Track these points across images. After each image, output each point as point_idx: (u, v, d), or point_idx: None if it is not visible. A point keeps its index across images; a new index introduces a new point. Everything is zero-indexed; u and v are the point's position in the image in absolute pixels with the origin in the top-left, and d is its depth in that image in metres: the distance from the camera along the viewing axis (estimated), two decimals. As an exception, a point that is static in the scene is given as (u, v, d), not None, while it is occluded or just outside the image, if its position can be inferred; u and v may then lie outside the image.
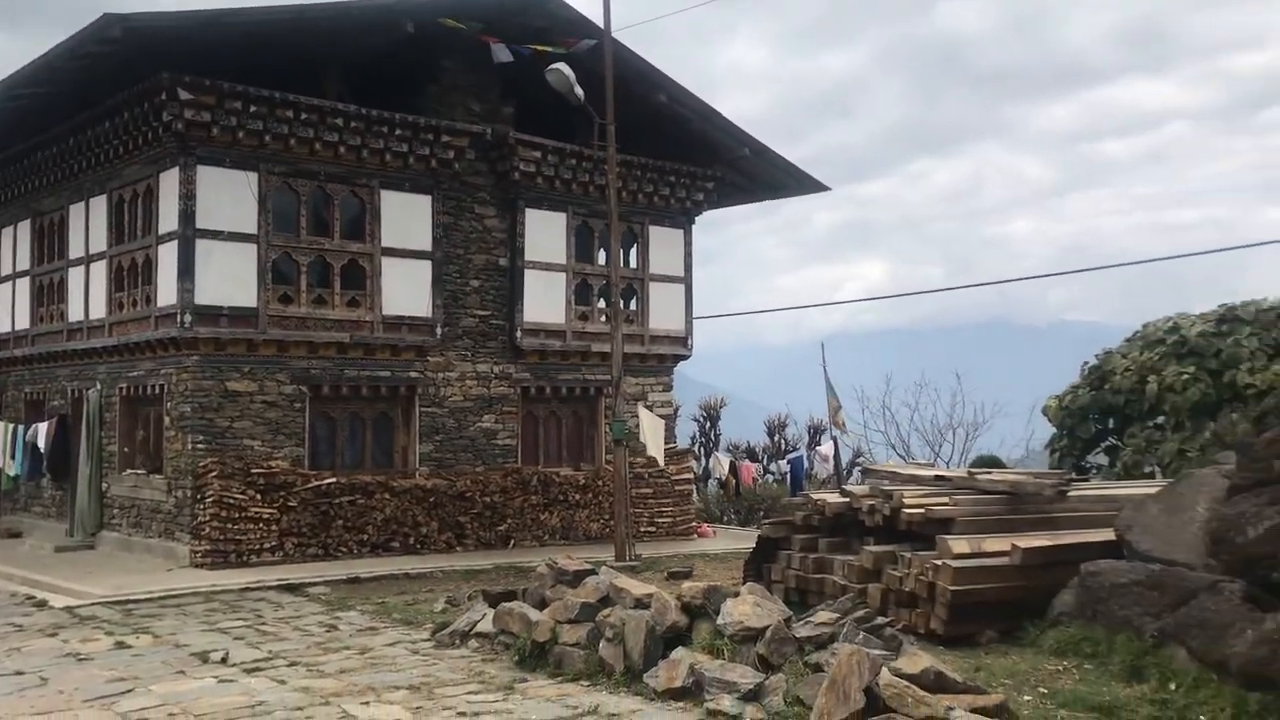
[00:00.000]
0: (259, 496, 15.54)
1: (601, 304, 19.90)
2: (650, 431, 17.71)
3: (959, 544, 9.52)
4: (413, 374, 17.77)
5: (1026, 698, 7.43)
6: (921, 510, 10.11)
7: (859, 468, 25.86)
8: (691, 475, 21.82)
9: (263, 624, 11.37)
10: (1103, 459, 22.37)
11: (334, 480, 16.24)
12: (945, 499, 10.41)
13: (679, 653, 8.03)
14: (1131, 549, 9.05)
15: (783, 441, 29.28)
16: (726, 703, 7.22)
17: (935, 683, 6.37)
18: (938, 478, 11.55)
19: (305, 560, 15.64)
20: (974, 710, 6.17)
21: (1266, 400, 17.12)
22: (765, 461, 28.41)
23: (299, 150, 16.37)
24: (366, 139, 16.81)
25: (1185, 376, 19.68)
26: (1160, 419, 20.61)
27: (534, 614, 9.46)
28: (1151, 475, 18.90)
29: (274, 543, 15.61)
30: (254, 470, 15.61)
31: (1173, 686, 7.38)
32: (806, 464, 26.27)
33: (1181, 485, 9.58)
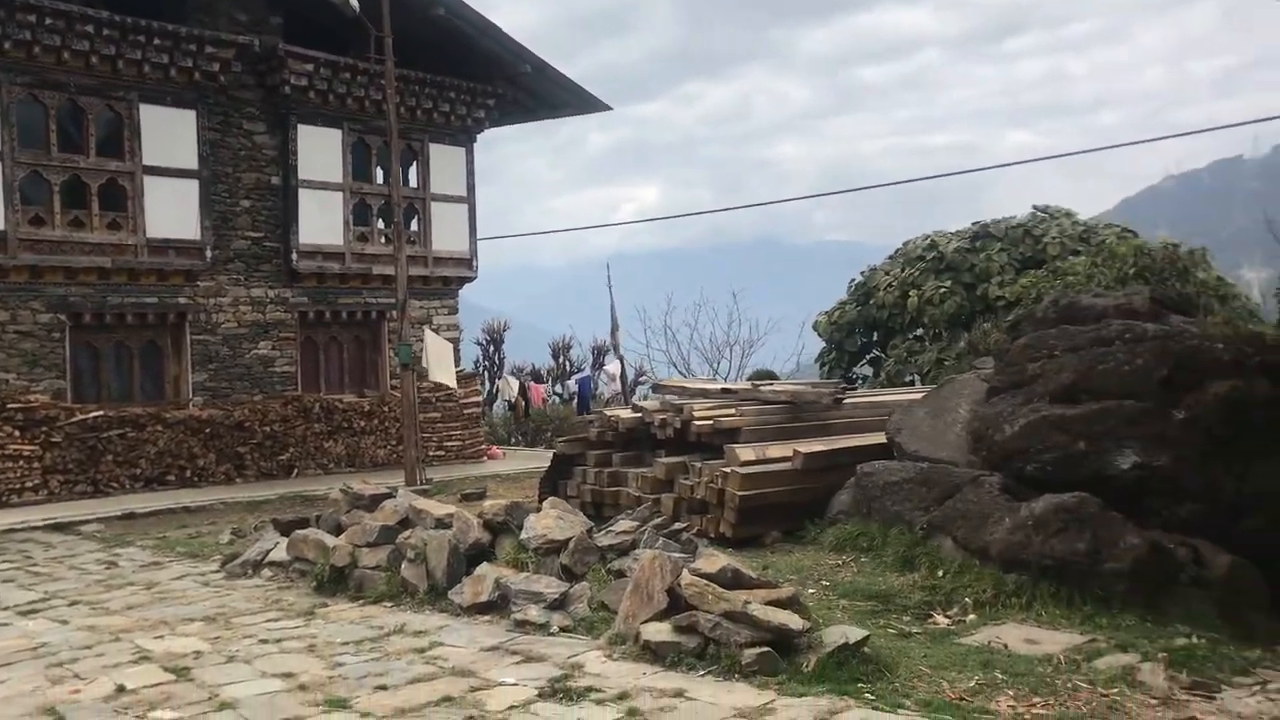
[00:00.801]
0: (17, 433, 14.60)
1: (381, 225, 19.42)
2: (437, 355, 17.52)
3: (745, 452, 9.97)
4: (182, 300, 16.92)
5: (811, 590, 7.94)
6: (710, 422, 10.52)
7: (642, 385, 26.47)
8: (480, 398, 21.79)
9: (33, 565, 10.73)
10: (868, 370, 23.75)
11: (101, 413, 15.40)
12: (732, 410, 10.86)
13: (483, 568, 8.10)
14: (901, 450, 9.70)
15: (568, 363, 29.58)
16: (534, 612, 7.37)
17: (733, 580, 6.69)
18: (724, 391, 12.02)
19: (73, 498, 14.85)
20: (768, 603, 6.53)
21: (1016, 310, 18.51)
22: (552, 383, 28.67)
23: (45, 59, 15.15)
24: (122, 49, 15.69)
25: (942, 290, 21.07)
26: (920, 331, 22.04)
27: (330, 539, 9.31)
28: (912, 383, 20.22)
29: (37, 481, 14.72)
30: (10, 405, 14.64)
31: (941, 573, 8.01)
32: (593, 384, 26.69)
33: (945, 390, 10.31)
